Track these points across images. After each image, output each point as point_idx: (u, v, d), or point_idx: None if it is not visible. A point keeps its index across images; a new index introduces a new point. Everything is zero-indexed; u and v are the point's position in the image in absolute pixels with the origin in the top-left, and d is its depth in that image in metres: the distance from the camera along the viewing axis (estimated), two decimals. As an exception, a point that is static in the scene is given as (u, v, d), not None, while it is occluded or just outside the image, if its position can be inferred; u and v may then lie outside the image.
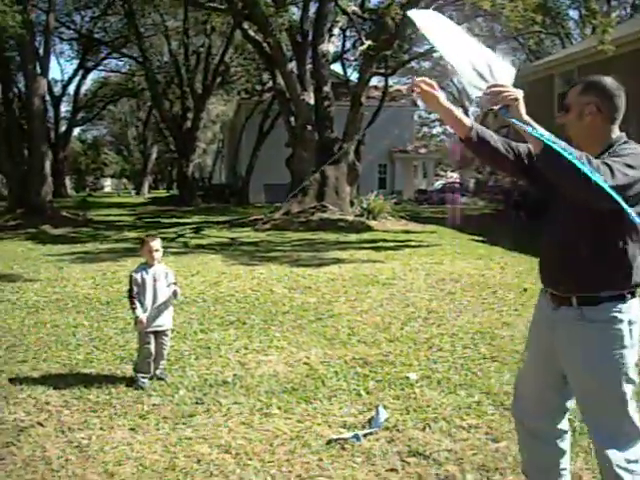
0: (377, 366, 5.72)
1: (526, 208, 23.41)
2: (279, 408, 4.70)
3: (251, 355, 6.09)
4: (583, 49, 23.09)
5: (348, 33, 31.84)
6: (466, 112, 29.58)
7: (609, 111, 2.76)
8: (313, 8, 23.77)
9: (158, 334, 5.30)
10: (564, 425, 3.09)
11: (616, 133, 2.79)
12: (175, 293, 5.35)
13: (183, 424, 4.40)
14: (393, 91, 38.47)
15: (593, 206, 2.56)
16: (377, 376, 5.44)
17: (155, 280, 5.28)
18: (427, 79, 2.85)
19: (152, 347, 5.24)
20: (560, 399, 3.01)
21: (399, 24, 19.65)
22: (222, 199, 38.15)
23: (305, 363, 5.83)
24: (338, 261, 12.54)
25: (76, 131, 59.36)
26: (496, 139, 2.90)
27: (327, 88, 22.21)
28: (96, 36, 39.74)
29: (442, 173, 67.30)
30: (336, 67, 38.58)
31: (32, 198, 22.60)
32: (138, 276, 5.26)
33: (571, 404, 3.02)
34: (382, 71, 28.25)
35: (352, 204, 22.06)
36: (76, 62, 45.23)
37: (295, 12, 26.23)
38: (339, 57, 32.76)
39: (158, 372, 5.31)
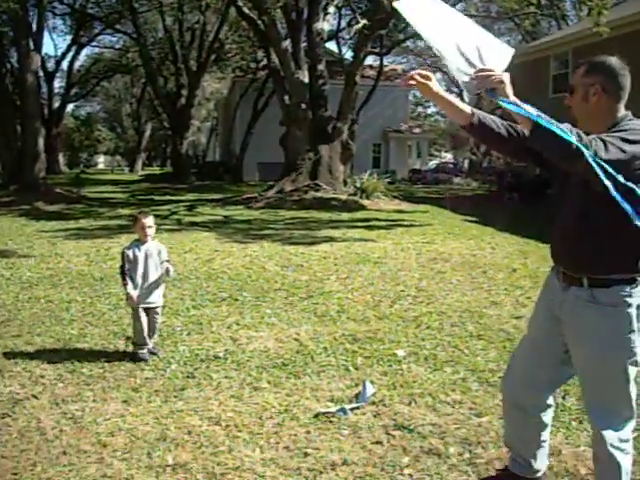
0: (366, 343, 5.82)
1: (519, 190, 23.55)
2: (269, 382, 4.81)
3: (242, 331, 6.18)
4: (578, 31, 23.06)
5: (343, 11, 31.74)
6: (461, 94, 29.52)
7: (614, 90, 2.78)
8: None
9: (149, 310, 5.37)
10: (550, 400, 3.19)
11: (622, 112, 2.81)
12: (168, 271, 5.40)
13: (174, 397, 4.50)
14: (388, 70, 38.48)
15: (589, 178, 2.56)
16: (365, 352, 5.55)
17: (147, 257, 5.33)
18: (422, 71, 2.87)
19: (144, 322, 5.32)
20: (552, 377, 3.09)
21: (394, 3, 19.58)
22: (216, 177, 38.14)
23: (295, 339, 5.93)
24: (330, 240, 12.62)
25: (69, 107, 59.13)
26: (499, 123, 2.92)
27: (321, 66, 22.17)
28: (90, 11, 39.38)
29: (436, 153, 67.38)
30: (331, 45, 38.53)
31: (26, 175, 22.57)
32: (130, 252, 5.31)
33: (562, 383, 3.10)
34: (377, 50, 28.21)
35: (345, 183, 22.10)
36: (69, 37, 44.90)
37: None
38: (334, 36, 32.66)
39: (151, 347, 5.40)
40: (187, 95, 37.34)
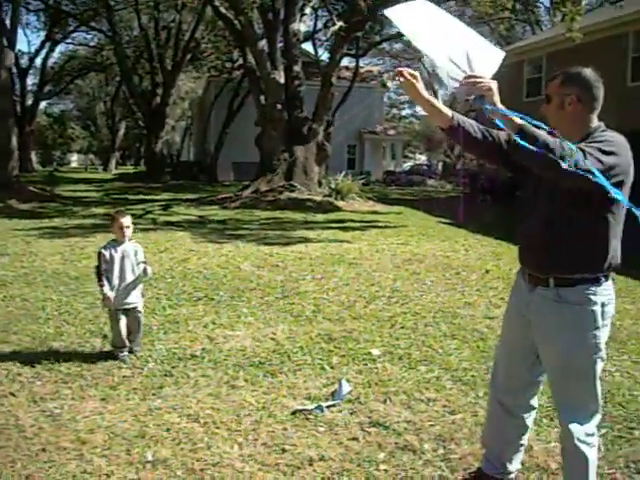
0: (341, 342, 5.90)
1: (492, 192, 23.80)
2: (246, 381, 4.86)
3: (219, 330, 6.23)
4: (552, 36, 23.37)
5: (320, 13, 31.81)
6: (435, 95, 29.74)
7: (589, 101, 2.89)
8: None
9: (129, 311, 5.37)
10: (534, 402, 3.28)
11: (595, 122, 2.92)
12: (145, 271, 5.40)
13: (153, 395, 4.54)
14: (364, 72, 38.62)
15: (563, 186, 2.71)
16: (341, 351, 5.62)
17: (124, 257, 5.31)
18: (411, 70, 2.96)
19: (122, 324, 5.32)
20: (532, 375, 3.18)
21: (371, 6, 19.71)
22: (190, 176, 38.02)
23: (272, 338, 5.98)
24: (305, 240, 12.69)
25: (42, 105, 58.43)
26: (476, 127, 3.01)
27: (297, 67, 22.23)
28: (64, 8, 39.02)
29: (410, 155, 67.71)
30: (307, 46, 38.56)
31: (-2, 172, 22.33)
32: (107, 253, 5.28)
33: (543, 380, 3.20)
34: (353, 52, 28.31)
35: (320, 184, 22.19)
36: (43, 34, 44.48)
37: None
38: (310, 37, 32.72)
39: (134, 347, 5.41)
40: (162, 94, 37.20)
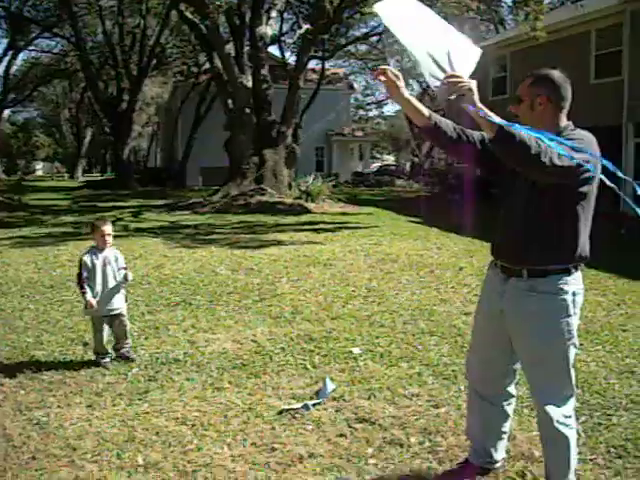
0: (321, 342, 5.96)
1: (461, 190, 24.02)
2: (230, 383, 4.90)
3: (199, 334, 6.26)
4: (516, 35, 23.70)
5: (286, 15, 31.87)
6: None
7: (558, 101, 3.02)
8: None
9: (113, 317, 5.37)
10: (512, 389, 3.39)
11: (564, 121, 3.05)
12: (126, 277, 5.41)
13: (139, 400, 4.56)
14: (330, 74, 38.73)
15: (542, 181, 2.83)
16: (322, 351, 5.69)
17: (105, 264, 5.32)
18: (393, 69, 3.04)
19: (105, 332, 5.33)
20: (508, 363, 3.28)
21: (337, 8, 19.82)
22: (158, 182, 37.80)
23: (252, 340, 6.03)
24: (278, 243, 12.75)
25: (6, 112, 57.61)
26: (452, 128, 3.12)
27: (265, 71, 22.24)
28: (26, 14, 38.58)
29: (378, 156, 68.07)
30: (273, 50, 38.58)
31: (-37, 182, 22.05)
32: (88, 260, 5.29)
33: (518, 368, 3.30)
34: (319, 54, 28.41)
35: (290, 187, 22.24)
36: (5, 41, 43.90)
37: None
38: (276, 40, 32.76)
39: (124, 351, 5.41)
40: (129, 100, 36.93)
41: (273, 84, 23.32)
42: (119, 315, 5.40)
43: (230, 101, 22.30)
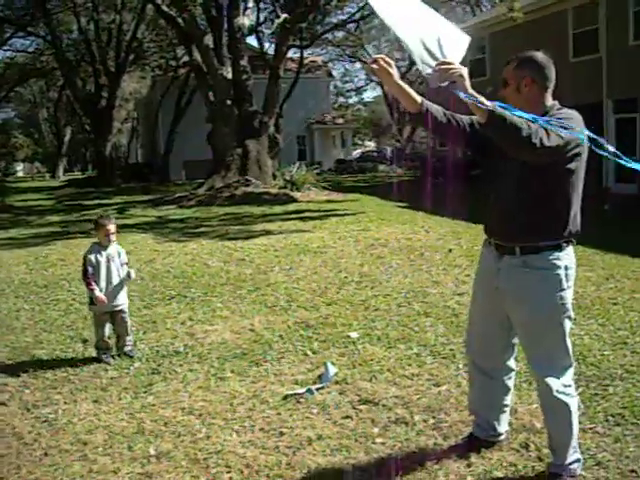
0: (319, 328, 6.04)
1: (444, 173, 24.14)
2: (232, 372, 4.97)
3: (197, 326, 6.32)
4: (494, 16, 23.77)
5: (262, 5, 31.76)
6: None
7: (543, 81, 3.10)
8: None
9: (115, 313, 5.41)
10: (512, 363, 3.48)
11: (550, 101, 3.14)
12: (129, 274, 5.46)
13: (144, 393, 4.62)
14: (308, 62, 38.68)
15: (534, 162, 2.91)
16: (320, 337, 5.77)
17: (109, 260, 5.37)
18: (386, 57, 3.11)
19: (107, 328, 5.38)
20: (507, 338, 3.38)
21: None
22: (141, 178, 37.66)
23: (250, 330, 6.10)
24: (267, 233, 12.81)
25: (-18, 115, 57.14)
26: (442, 113, 3.21)
27: (244, 62, 22.20)
28: (-1, 15, 38.20)
29: (359, 142, 68.06)
30: (251, 40, 38.38)
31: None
32: (92, 257, 5.33)
33: (516, 342, 3.40)
34: (298, 43, 28.36)
35: (275, 177, 22.27)
36: (-21, 43, 43.36)
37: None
38: (254, 30, 32.66)
39: (127, 349, 5.46)
40: (108, 96, 36.71)
41: (252, 74, 23.27)
42: (121, 311, 5.45)
43: (211, 93, 22.25)
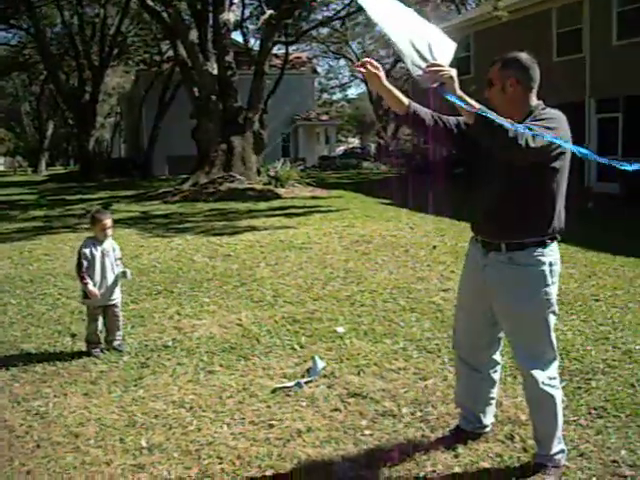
0: (306, 323, 6.11)
1: (427, 171, 24.27)
2: (221, 365, 5.03)
3: (185, 320, 6.36)
4: (479, 15, 23.90)
5: (247, 1, 31.72)
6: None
7: (527, 82, 3.18)
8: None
9: (108, 308, 5.45)
10: (497, 357, 3.58)
11: (534, 101, 3.22)
12: (125, 274, 5.50)
13: (134, 386, 4.66)
14: (293, 58, 38.65)
15: (519, 163, 2.98)
16: (307, 332, 5.84)
17: (104, 255, 5.40)
18: (373, 61, 3.19)
19: (99, 321, 5.42)
20: (492, 332, 3.46)
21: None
22: (124, 173, 37.49)
23: (238, 324, 6.15)
24: (252, 229, 12.85)
25: (-37, 108, 56.57)
26: (430, 115, 3.30)
27: (229, 57, 22.15)
28: (-20, 7, 37.82)
29: (343, 139, 68.15)
30: (236, 36, 38.32)
31: None
32: (87, 251, 5.34)
33: (502, 337, 3.48)
34: (283, 39, 28.35)
35: (259, 173, 22.28)
36: (-40, 35, 43.01)
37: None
38: (239, 25, 32.61)
39: (116, 344, 5.48)
40: (91, 91, 36.50)
41: (237, 70, 23.25)
42: (114, 305, 5.49)
43: (195, 89, 22.20)
